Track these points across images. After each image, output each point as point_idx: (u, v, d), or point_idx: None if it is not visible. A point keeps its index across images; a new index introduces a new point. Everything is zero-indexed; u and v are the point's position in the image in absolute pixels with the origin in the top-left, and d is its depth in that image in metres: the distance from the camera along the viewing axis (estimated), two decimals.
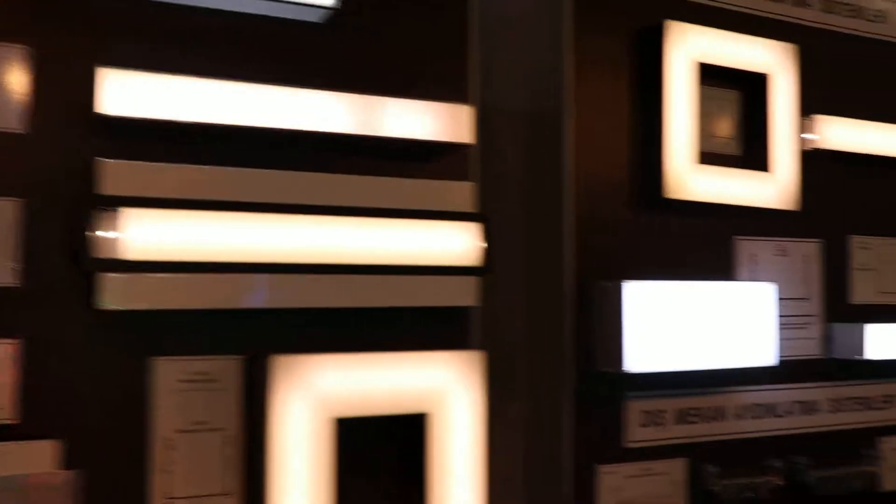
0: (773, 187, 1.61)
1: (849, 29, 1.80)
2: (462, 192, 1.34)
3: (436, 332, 1.32)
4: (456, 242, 1.31)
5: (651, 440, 1.50)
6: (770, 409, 1.63)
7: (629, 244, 1.51)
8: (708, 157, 1.57)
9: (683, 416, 1.54)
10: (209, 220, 1.15)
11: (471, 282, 1.32)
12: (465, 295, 1.32)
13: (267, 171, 1.21)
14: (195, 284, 1.15)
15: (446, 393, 1.28)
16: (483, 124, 1.40)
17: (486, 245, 1.32)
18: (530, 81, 1.55)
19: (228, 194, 1.18)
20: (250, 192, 1.20)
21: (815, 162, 1.68)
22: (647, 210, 1.53)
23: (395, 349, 1.26)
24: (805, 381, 1.68)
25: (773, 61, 1.63)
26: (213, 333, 1.20)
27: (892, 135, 1.77)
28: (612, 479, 1.45)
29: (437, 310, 1.31)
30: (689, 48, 1.54)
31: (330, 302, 1.23)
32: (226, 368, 1.20)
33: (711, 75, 1.58)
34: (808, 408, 1.68)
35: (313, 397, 1.19)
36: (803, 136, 1.67)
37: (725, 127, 1.64)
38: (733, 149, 1.64)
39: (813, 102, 1.68)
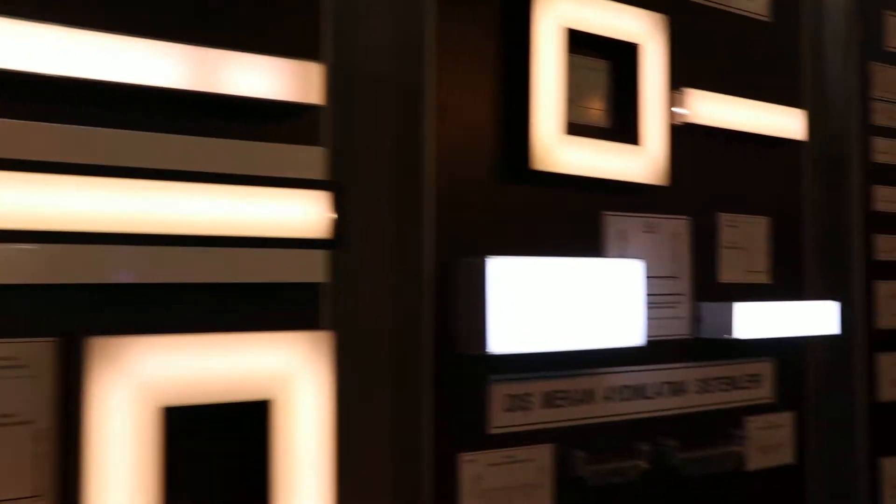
0: (643, 161, 1.55)
1: (718, 4, 1.76)
2: (311, 158, 1.22)
3: (281, 310, 1.19)
4: (303, 212, 1.19)
5: (516, 425, 1.43)
6: (639, 391, 1.58)
7: (494, 218, 1.43)
8: (576, 128, 1.50)
9: (550, 400, 1.46)
10: (12, 181, 1.00)
11: (320, 256, 1.21)
12: (313, 270, 1.21)
13: (85, 128, 1.06)
14: None
15: (292, 377, 1.16)
16: (337, 86, 1.29)
17: (337, 216, 1.21)
18: (390, 43, 1.44)
19: (36, 153, 1.02)
20: (64, 151, 1.04)
21: (685, 136, 1.64)
22: (512, 182, 1.44)
23: (235, 330, 1.13)
24: (674, 362, 1.63)
25: (643, 31, 1.57)
26: (21, 312, 1.04)
27: (761, 112, 1.74)
28: (475, 468, 1.37)
29: (282, 286, 1.19)
30: (557, 13, 1.46)
31: (159, 277, 1.09)
32: (36, 352, 1.05)
33: (581, 43, 1.51)
34: (677, 389, 1.63)
35: (138, 384, 1.05)
36: (673, 109, 1.62)
37: (595, 98, 1.57)
38: (602, 120, 1.57)
39: (683, 76, 1.64)
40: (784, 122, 1.78)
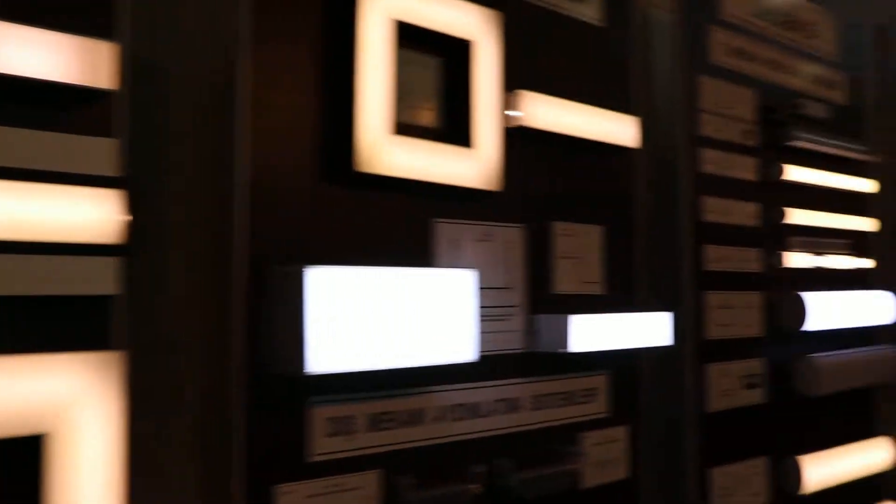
0: (476, 165, 1.46)
1: (551, 5, 1.70)
2: (101, 151, 1.06)
3: (63, 328, 1.03)
4: (91, 213, 1.03)
5: (340, 451, 1.30)
6: (472, 410, 1.49)
7: (316, 223, 1.30)
8: (406, 128, 1.39)
9: (376, 422, 1.35)
10: None
11: (111, 264, 1.05)
12: (102, 280, 1.04)
13: None
14: None
15: (74, 406, 1.00)
16: (136, 71, 1.13)
17: (131, 218, 1.05)
18: (200, 26, 1.29)
19: None
20: None
21: (518, 140, 1.57)
22: (335, 185, 1.32)
23: (4, 352, 0.96)
24: (508, 378, 1.55)
25: (477, 28, 1.49)
26: None
27: (594, 118, 1.70)
28: (293, 500, 1.23)
29: (65, 300, 1.02)
30: (386, 4, 1.35)
31: None
32: None
33: (412, 38, 1.41)
34: (511, 406, 1.55)
35: None
36: (507, 112, 1.54)
37: (426, 97, 1.47)
38: (433, 121, 1.48)
39: (517, 77, 1.57)
40: (617, 129, 1.74)
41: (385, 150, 1.33)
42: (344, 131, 1.31)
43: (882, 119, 2.68)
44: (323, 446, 1.28)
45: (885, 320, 2.44)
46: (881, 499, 2.46)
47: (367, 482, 1.33)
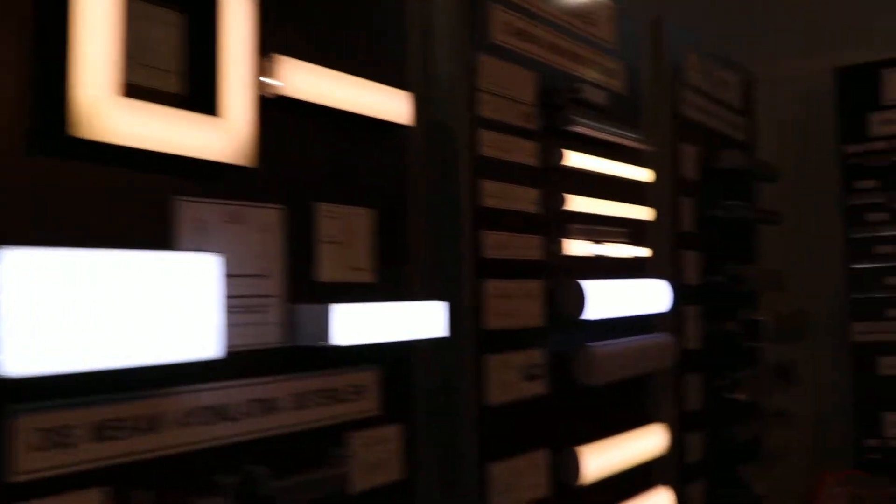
0: (224, 137, 1.29)
1: None
2: None
3: None
4: None
5: (53, 468, 1.10)
6: (220, 412, 1.32)
7: (23, 201, 1.09)
8: (139, 91, 1.21)
9: (102, 431, 1.15)
10: None
11: None
12: None
13: None
14: None
15: None
16: None
17: None
18: None
19: None
20: None
21: (277, 112, 1.41)
22: (45, 153, 1.11)
23: None
24: (263, 375, 1.39)
25: None
26: None
27: (365, 91, 1.56)
28: None
29: None
30: None
31: None
32: None
33: None
34: (268, 407, 1.39)
35: None
36: (263, 79, 1.38)
37: (166, 57, 1.29)
38: (173, 85, 1.29)
39: (275, 41, 1.41)
40: (390, 104, 1.62)
41: (110, 113, 1.13)
42: (57, 91, 1.10)
43: (656, 109, 2.72)
44: (31, 463, 1.07)
45: (660, 308, 2.47)
46: (655, 484, 2.48)
47: (90, 502, 1.14)
